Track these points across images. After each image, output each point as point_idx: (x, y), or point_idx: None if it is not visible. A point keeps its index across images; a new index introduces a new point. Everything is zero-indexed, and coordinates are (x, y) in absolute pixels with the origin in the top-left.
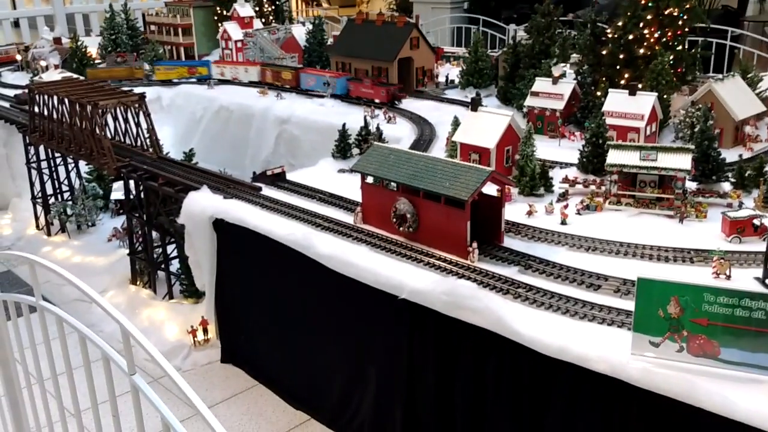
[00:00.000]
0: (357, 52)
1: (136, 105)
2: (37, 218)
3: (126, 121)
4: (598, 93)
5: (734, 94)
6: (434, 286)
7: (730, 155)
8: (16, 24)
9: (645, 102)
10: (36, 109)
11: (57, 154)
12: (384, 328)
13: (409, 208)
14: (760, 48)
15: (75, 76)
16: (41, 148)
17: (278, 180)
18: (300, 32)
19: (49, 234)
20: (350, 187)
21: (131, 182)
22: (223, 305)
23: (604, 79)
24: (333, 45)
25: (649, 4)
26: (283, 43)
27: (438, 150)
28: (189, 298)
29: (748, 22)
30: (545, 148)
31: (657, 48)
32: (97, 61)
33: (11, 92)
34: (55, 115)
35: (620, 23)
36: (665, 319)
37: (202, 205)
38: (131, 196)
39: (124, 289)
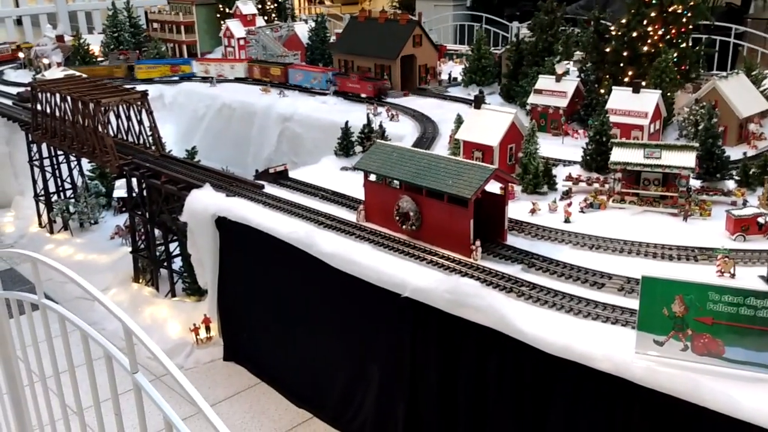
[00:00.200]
0: (360, 50)
1: (139, 103)
2: (39, 216)
3: (128, 119)
4: (602, 90)
5: (738, 92)
6: (437, 284)
7: (734, 153)
8: (18, 22)
9: (648, 100)
10: (39, 107)
11: (60, 152)
12: (386, 326)
13: (412, 206)
14: (764, 45)
15: (78, 74)
16: (44, 146)
17: (281, 178)
18: (302, 30)
19: (51, 232)
20: (353, 185)
21: (134, 180)
22: (225, 303)
23: (607, 76)
24: (335, 43)
25: (653, 2)
26: (286, 41)
27: (441, 148)
28: (191, 296)
29: (751, 19)
30: (548, 146)
31: (660, 46)
32: (99, 59)
33: (14, 90)
34: (57, 113)
35: (624, 20)
36: (669, 318)
37: (204, 203)
38: (134, 194)
39: (127, 287)
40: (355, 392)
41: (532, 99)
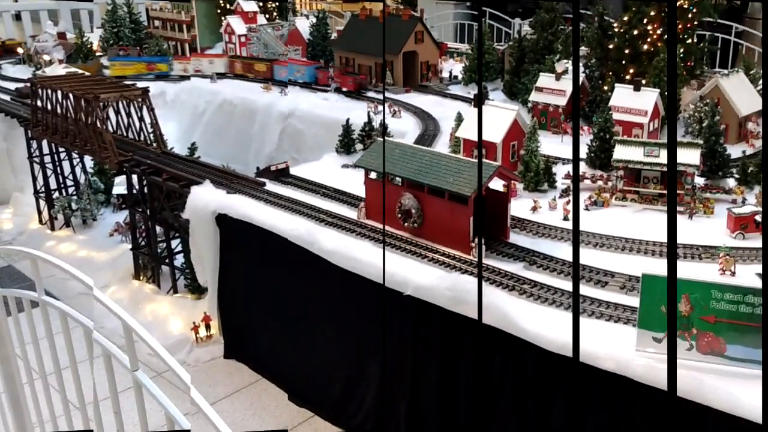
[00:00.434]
0: (361, 48)
1: (140, 99)
2: (39, 213)
3: (129, 115)
4: (605, 87)
5: (738, 91)
6: (438, 281)
7: (734, 151)
8: (17, 17)
9: (648, 98)
10: (38, 103)
11: (60, 149)
12: (388, 324)
13: (414, 204)
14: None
15: (79, 71)
16: (44, 143)
17: (282, 175)
18: (304, 25)
19: (53, 228)
20: (354, 183)
21: (134, 177)
22: (226, 301)
23: (610, 73)
24: (337, 40)
25: None
26: (287, 36)
27: (442, 145)
28: (193, 293)
29: (749, 18)
30: (549, 144)
31: (659, 45)
32: (98, 54)
33: (12, 85)
34: (58, 109)
35: (626, 18)
36: None
37: (205, 200)
38: (134, 191)
39: (127, 283)
40: (356, 390)
41: (533, 97)
